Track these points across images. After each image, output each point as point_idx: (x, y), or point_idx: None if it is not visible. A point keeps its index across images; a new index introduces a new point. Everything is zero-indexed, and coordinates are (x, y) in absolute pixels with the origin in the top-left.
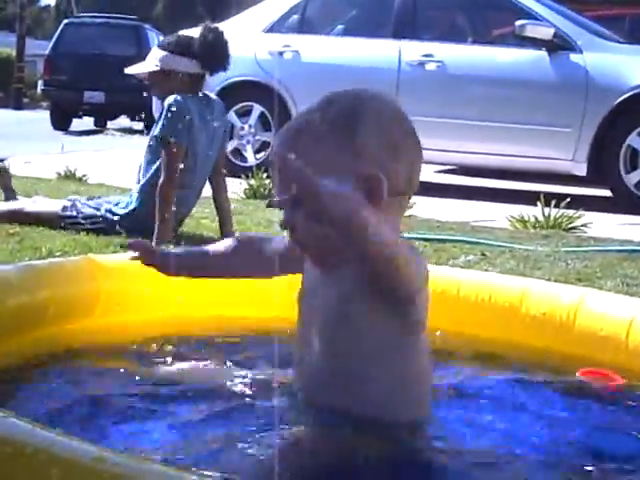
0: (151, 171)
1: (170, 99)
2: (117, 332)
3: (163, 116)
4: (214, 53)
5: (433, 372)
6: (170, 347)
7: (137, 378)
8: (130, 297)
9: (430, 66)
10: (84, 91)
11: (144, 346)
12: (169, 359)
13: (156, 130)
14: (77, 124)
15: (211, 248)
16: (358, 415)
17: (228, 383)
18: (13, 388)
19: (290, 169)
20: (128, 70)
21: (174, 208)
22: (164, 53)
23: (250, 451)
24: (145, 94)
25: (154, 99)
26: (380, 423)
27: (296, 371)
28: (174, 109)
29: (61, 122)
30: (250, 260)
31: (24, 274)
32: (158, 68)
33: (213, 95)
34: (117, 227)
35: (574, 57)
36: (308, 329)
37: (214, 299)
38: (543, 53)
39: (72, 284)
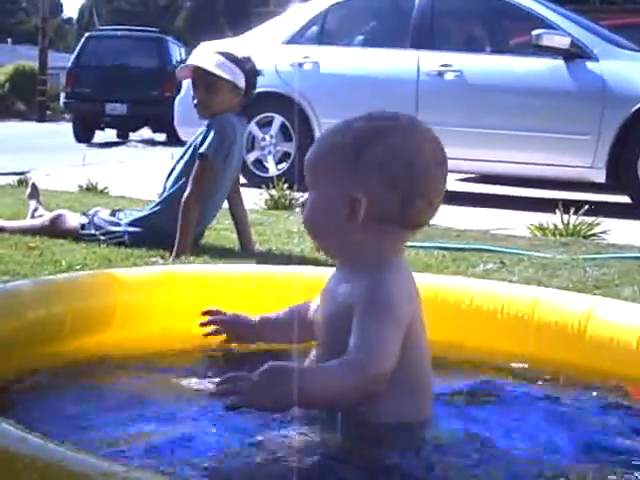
0: (180, 183)
1: (224, 119)
2: (134, 345)
3: (214, 135)
4: (254, 79)
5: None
6: (188, 360)
7: (153, 390)
8: (147, 310)
9: (449, 76)
10: (106, 103)
11: (161, 359)
12: (187, 372)
13: (202, 147)
14: (99, 136)
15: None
16: (360, 420)
17: None
18: (29, 401)
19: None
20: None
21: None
22: (228, 63)
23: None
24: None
25: (176, 110)
26: (382, 426)
27: None
28: (228, 131)
29: (83, 134)
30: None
31: (41, 288)
32: (228, 77)
33: None
34: (137, 238)
35: (591, 65)
36: (322, 343)
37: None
38: (560, 62)
39: (88, 298)
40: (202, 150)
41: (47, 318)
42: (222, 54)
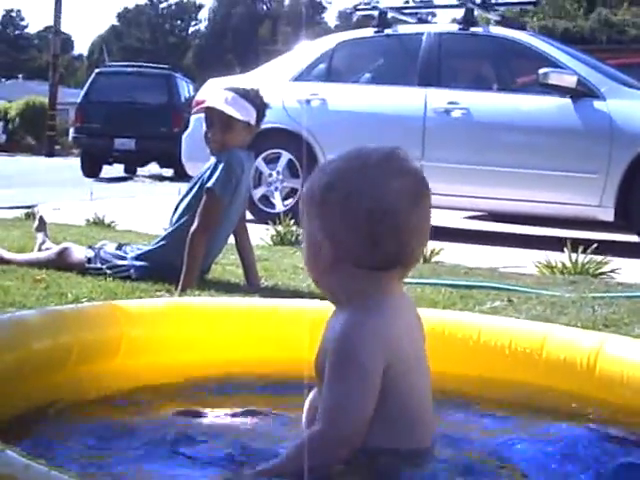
0: (186, 217)
1: (232, 154)
2: (139, 376)
3: (222, 170)
4: (263, 114)
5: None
6: (193, 390)
7: (157, 421)
8: (152, 341)
9: (456, 113)
10: (115, 138)
11: (167, 389)
12: (191, 403)
13: (210, 182)
14: (107, 171)
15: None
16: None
17: (247, 426)
18: (33, 431)
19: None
20: (200, 95)
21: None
22: (245, 103)
23: None
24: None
25: (183, 146)
26: (377, 452)
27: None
28: (235, 166)
29: (92, 169)
30: None
31: (47, 319)
32: (242, 118)
33: None
34: (143, 273)
35: (598, 104)
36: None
37: (236, 342)
38: (567, 100)
39: (94, 329)
40: (209, 185)
41: (53, 348)
42: (234, 90)
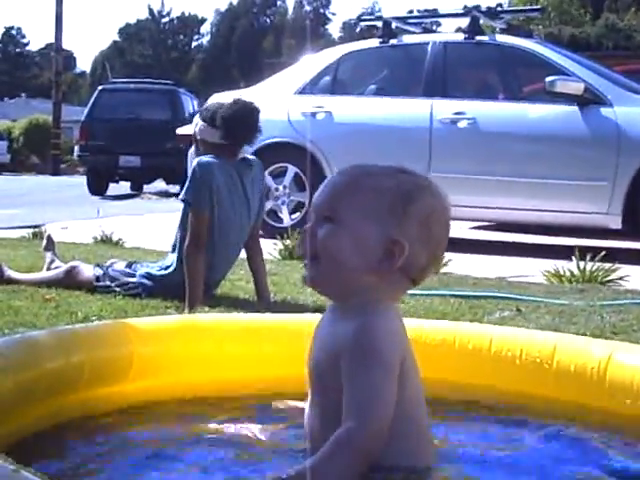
0: (181, 235)
1: (194, 163)
2: (150, 395)
3: (188, 179)
4: (235, 127)
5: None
6: (204, 409)
7: (170, 440)
8: (163, 360)
9: (462, 123)
10: (120, 156)
11: (178, 408)
12: (204, 421)
13: (181, 192)
14: (113, 189)
15: None
16: None
17: (258, 444)
18: (46, 452)
19: (337, 198)
20: (179, 130)
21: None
22: (200, 121)
23: None
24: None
25: (189, 162)
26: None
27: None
28: (197, 174)
29: (97, 187)
30: None
31: (59, 338)
32: (192, 133)
33: (252, 157)
34: (153, 292)
35: (605, 111)
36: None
37: (247, 361)
38: (574, 108)
39: (106, 348)
40: (180, 196)
41: (65, 368)
42: (203, 111)
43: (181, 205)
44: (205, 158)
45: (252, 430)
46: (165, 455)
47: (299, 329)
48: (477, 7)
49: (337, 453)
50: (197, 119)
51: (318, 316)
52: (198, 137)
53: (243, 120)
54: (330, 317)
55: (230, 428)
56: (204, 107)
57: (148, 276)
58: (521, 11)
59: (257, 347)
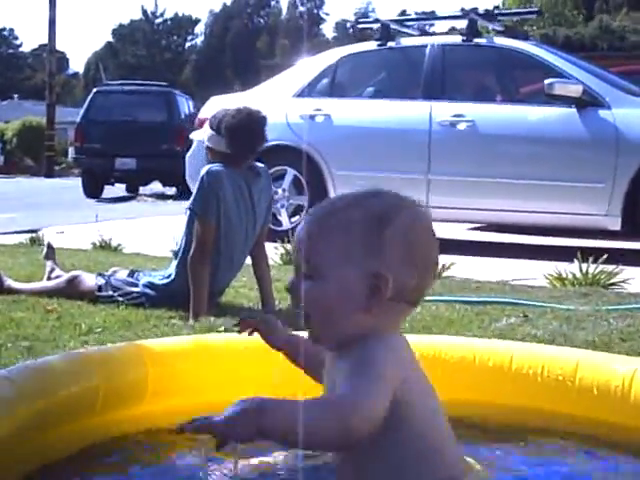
0: (185, 244)
1: (203, 171)
2: (167, 417)
3: (196, 188)
4: (239, 136)
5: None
6: None
7: (188, 464)
8: (179, 381)
9: (461, 126)
10: (116, 158)
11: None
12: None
13: (189, 201)
14: (109, 191)
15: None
16: None
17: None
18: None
19: (310, 249)
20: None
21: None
22: (209, 128)
23: None
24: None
25: (186, 165)
26: None
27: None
28: (205, 183)
29: (93, 189)
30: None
31: (73, 362)
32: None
33: (259, 164)
34: (156, 301)
35: (603, 113)
36: None
37: (263, 381)
38: (572, 110)
39: (121, 371)
40: (188, 205)
41: (79, 393)
42: (212, 119)
43: (178, 208)
44: (214, 167)
45: (276, 456)
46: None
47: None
48: (475, 9)
49: (323, 413)
50: (207, 126)
51: None
52: (206, 145)
53: (247, 130)
54: (336, 353)
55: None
56: (213, 115)
57: (151, 285)
58: (519, 13)
59: (277, 367)
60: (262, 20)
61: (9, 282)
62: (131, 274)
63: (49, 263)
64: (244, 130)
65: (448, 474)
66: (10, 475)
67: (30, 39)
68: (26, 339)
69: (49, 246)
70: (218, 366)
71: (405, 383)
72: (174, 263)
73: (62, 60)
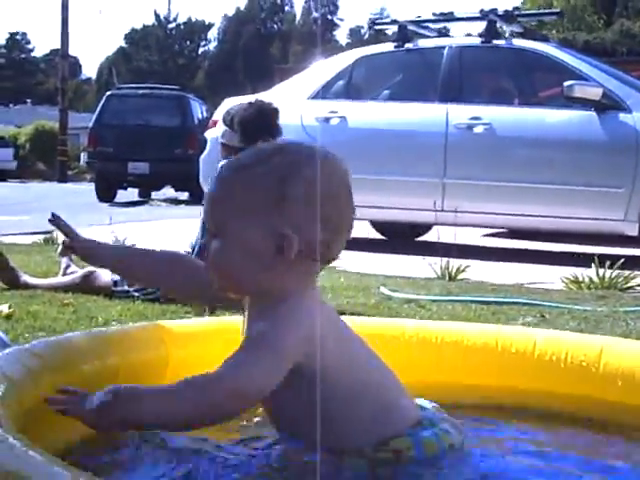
0: (202, 241)
1: (219, 166)
2: None
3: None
4: (252, 129)
5: None
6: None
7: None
8: (199, 363)
9: (478, 129)
10: (128, 162)
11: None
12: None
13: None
14: (121, 195)
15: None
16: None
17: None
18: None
19: (216, 207)
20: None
21: None
22: (222, 125)
23: None
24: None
25: (201, 167)
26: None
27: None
28: None
29: (106, 193)
30: (186, 276)
31: (95, 341)
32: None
33: None
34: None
35: (623, 117)
36: None
37: None
38: (592, 113)
39: (141, 350)
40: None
41: (100, 370)
42: (226, 115)
43: (192, 212)
44: None
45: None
46: (196, 457)
47: None
48: (494, 10)
49: (181, 394)
50: (220, 123)
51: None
52: (220, 141)
53: (259, 122)
54: (249, 313)
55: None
56: (226, 110)
57: None
58: (539, 14)
59: None
60: (276, 25)
61: (25, 277)
62: None
63: (64, 260)
64: (257, 123)
65: (393, 426)
66: (49, 446)
67: (43, 44)
68: (43, 330)
69: (64, 243)
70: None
71: (315, 349)
72: None
73: (75, 65)
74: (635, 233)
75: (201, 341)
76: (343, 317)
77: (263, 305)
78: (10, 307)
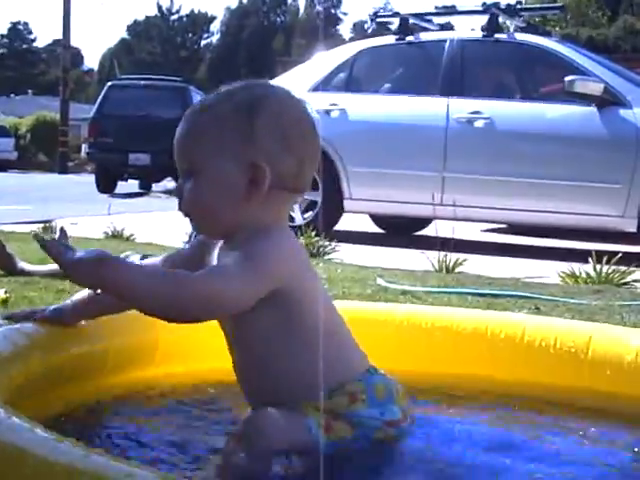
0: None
1: None
2: (175, 381)
3: None
4: None
5: None
6: (228, 395)
7: (197, 426)
8: (189, 346)
9: (478, 123)
10: (129, 153)
11: (201, 395)
12: (227, 407)
13: None
14: (122, 187)
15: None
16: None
17: None
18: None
19: (186, 146)
20: None
21: None
22: None
23: None
24: None
25: None
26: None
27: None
28: None
29: (106, 185)
30: None
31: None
32: None
33: None
34: None
35: (624, 113)
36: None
37: None
38: (592, 109)
39: (131, 333)
40: None
41: (90, 353)
42: None
43: None
44: None
45: None
46: (188, 442)
47: None
48: (496, 4)
49: (162, 278)
50: None
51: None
52: None
53: None
54: (224, 247)
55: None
56: None
57: None
58: (542, 9)
59: None
60: (279, 19)
61: (22, 264)
62: (143, 258)
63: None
64: None
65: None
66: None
67: (45, 34)
68: None
69: (62, 231)
70: None
71: (292, 278)
72: None
73: (77, 56)
74: (634, 229)
75: (191, 325)
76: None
77: (240, 240)
78: (6, 292)
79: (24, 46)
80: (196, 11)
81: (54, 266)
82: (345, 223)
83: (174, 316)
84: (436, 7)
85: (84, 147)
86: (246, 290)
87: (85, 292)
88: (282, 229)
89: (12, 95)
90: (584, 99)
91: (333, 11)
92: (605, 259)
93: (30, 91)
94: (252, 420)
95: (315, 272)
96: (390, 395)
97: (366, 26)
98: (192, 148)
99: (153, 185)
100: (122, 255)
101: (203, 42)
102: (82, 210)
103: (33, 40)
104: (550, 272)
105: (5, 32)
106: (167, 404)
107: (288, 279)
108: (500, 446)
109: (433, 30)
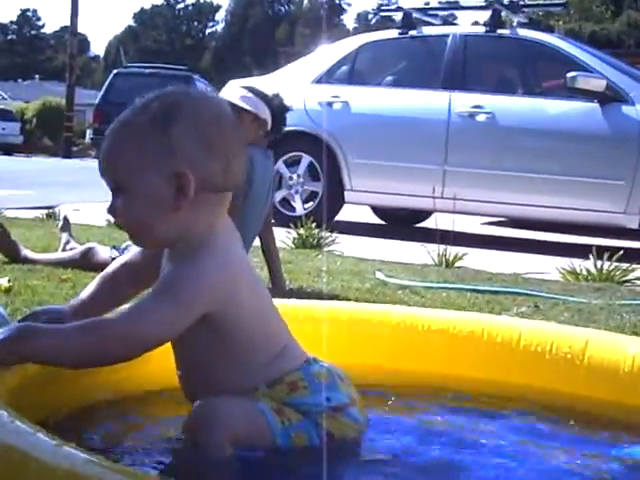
0: None
1: None
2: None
3: None
4: (283, 113)
5: None
6: None
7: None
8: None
9: (480, 117)
10: None
11: None
12: None
13: None
14: None
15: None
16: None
17: None
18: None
19: (110, 165)
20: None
21: None
22: (251, 95)
23: None
24: None
25: None
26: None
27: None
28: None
29: None
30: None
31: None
32: (249, 108)
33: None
34: None
35: (626, 109)
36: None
37: None
38: (595, 105)
39: None
40: None
41: None
42: (248, 89)
43: None
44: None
45: None
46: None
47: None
48: (499, 0)
49: (71, 334)
50: (240, 90)
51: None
52: (240, 106)
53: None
54: (167, 260)
55: None
56: (244, 86)
57: None
58: (544, 5)
59: None
60: (283, 8)
61: (25, 252)
62: None
63: (65, 235)
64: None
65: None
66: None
67: (53, 21)
68: (40, 305)
69: (65, 219)
70: None
71: (222, 300)
72: None
73: (83, 42)
74: (636, 226)
75: None
76: (335, 302)
77: (179, 253)
78: (9, 281)
79: (32, 32)
80: (202, 0)
81: (57, 255)
82: (346, 214)
83: (107, 363)
84: (439, 2)
85: (88, 132)
86: (168, 323)
87: (85, 293)
88: (214, 241)
89: (20, 80)
90: (586, 95)
91: (337, 1)
92: (606, 256)
93: (37, 76)
94: (204, 406)
95: (255, 276)
96: (333, 382)
97: (370, 16)
98: (115, 167)
99: None
100: (124, 244)
101: (208, 31)
102: (86, 195)
103: (41, 27)
104: (550, 268)
105: (14, 19)
106: (167, 404)
107: (217, 303)
108: (465, 445)
109: (436, 25)
